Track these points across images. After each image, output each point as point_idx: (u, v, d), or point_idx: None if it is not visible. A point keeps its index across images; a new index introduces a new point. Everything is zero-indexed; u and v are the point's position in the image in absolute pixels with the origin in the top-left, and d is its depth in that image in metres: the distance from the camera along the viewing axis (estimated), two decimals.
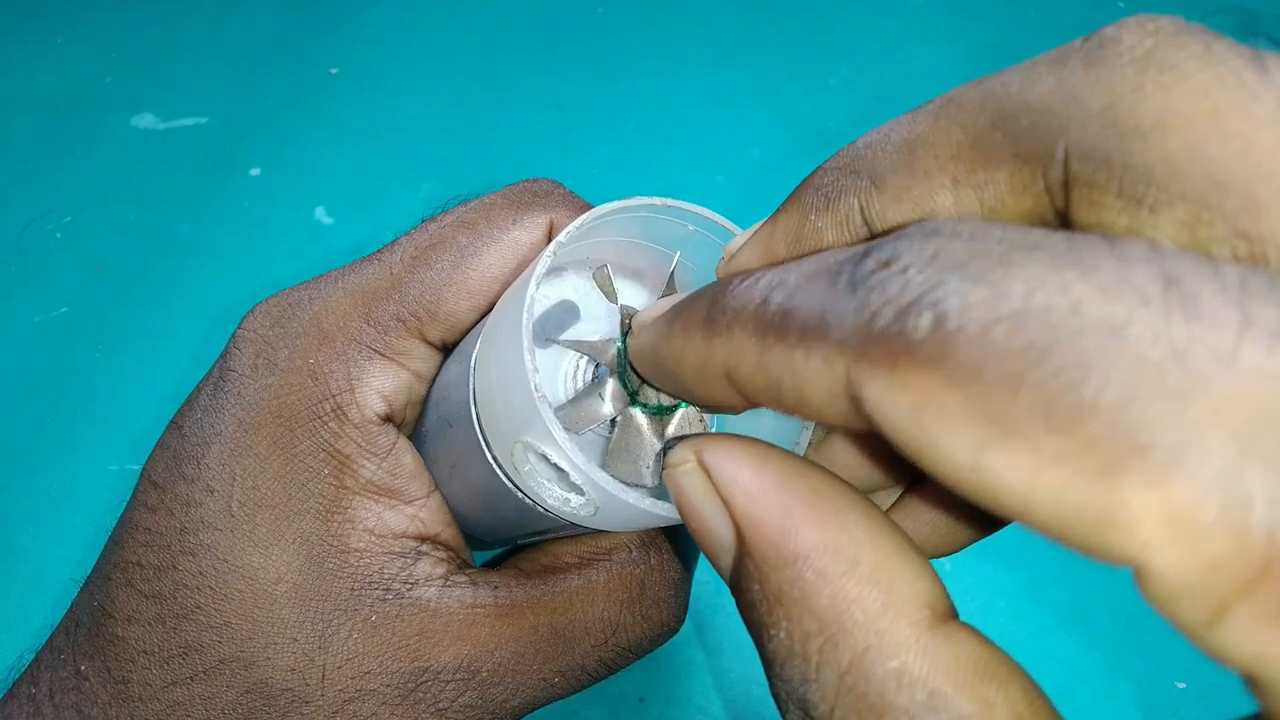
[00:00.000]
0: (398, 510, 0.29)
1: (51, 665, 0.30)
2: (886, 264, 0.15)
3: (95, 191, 0.67)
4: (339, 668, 0.28)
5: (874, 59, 0.78)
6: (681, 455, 0.19)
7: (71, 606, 0.32)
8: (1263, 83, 0.16)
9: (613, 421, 0.27)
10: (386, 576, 0.29)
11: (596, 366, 0.29)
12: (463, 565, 0.30)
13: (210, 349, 0.32)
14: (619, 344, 0.27)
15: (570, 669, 0.30)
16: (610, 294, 0.27)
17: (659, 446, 0.26)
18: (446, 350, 0.31)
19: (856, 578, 0.16)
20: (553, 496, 0.26)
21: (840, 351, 0.15)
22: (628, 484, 0.24)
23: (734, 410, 0.20)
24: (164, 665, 0.28)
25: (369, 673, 0.28)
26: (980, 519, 0.25)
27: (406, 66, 0.75)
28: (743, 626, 0.19)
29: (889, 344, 0.14)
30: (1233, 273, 0.12)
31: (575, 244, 0.27)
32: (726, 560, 0.19)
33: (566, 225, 0.26)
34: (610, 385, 0.26)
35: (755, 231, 0.24)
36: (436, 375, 0.31)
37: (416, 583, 0.29)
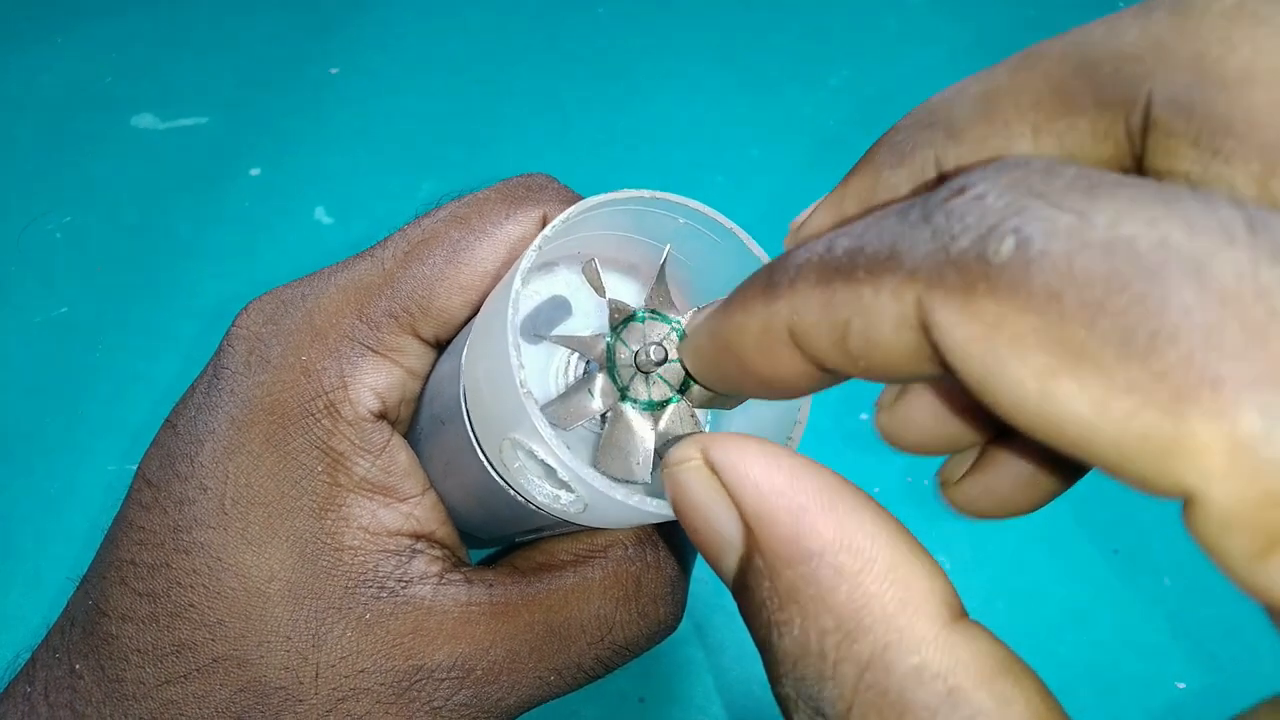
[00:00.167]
0: (392, 508, 0.29)
1: (47, 664, 0.30)
2: (961, 191, 0.15)
3: (95, 191, 0.67)
4: (333, 666, 0.28)
5: (874, 59, 0.78)
6: (685, 453, 0.19)
7: (67, 605, 0.32)
8: None
9: (603, 417, 0.27)
10: (381, 574, 0.29)
11: (587, 363, 0.28)
12: (458, 563, 0.30)
13: (209, 349, 0.32)
14: (609, 339, 0.27)
15: (566, 667, 0.30)
16: (598, 288, 0.27)
17: (650, 442, 0.26)
18: (440, 347, 0.31)
19: (874, 574, 0.16)
20: (542, 493, 0.26)
21: (911, 281, 0.15)
22: (618, 480, 0.24)
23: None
24: (157, 664, 0.28)
25: (363, 671, 0.28)
26: (1063, 468, 0.24)
27: (406, 66, 0.75)
28: (743, 626, 0.19)
29: (966, 269, 0.14)
30: None
31: (564, 238, 0.27)
32: (731, 559, 0.18)
33: None
34: (600, 380, 0.26)
35: (825, 199, 0.24)
36: (430, 372, 0.31)
37: (411, 580, 0.29)
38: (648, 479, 0.25)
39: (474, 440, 0.27)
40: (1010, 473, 0.25)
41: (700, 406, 0.27)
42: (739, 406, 0.27)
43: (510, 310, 0.24)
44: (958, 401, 0.25)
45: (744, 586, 0.18)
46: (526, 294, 0.29)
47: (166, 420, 0.31)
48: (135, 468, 0.31)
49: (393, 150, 0.70)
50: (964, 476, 0.25)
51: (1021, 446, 0.25)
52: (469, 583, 0.29)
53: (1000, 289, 0.13)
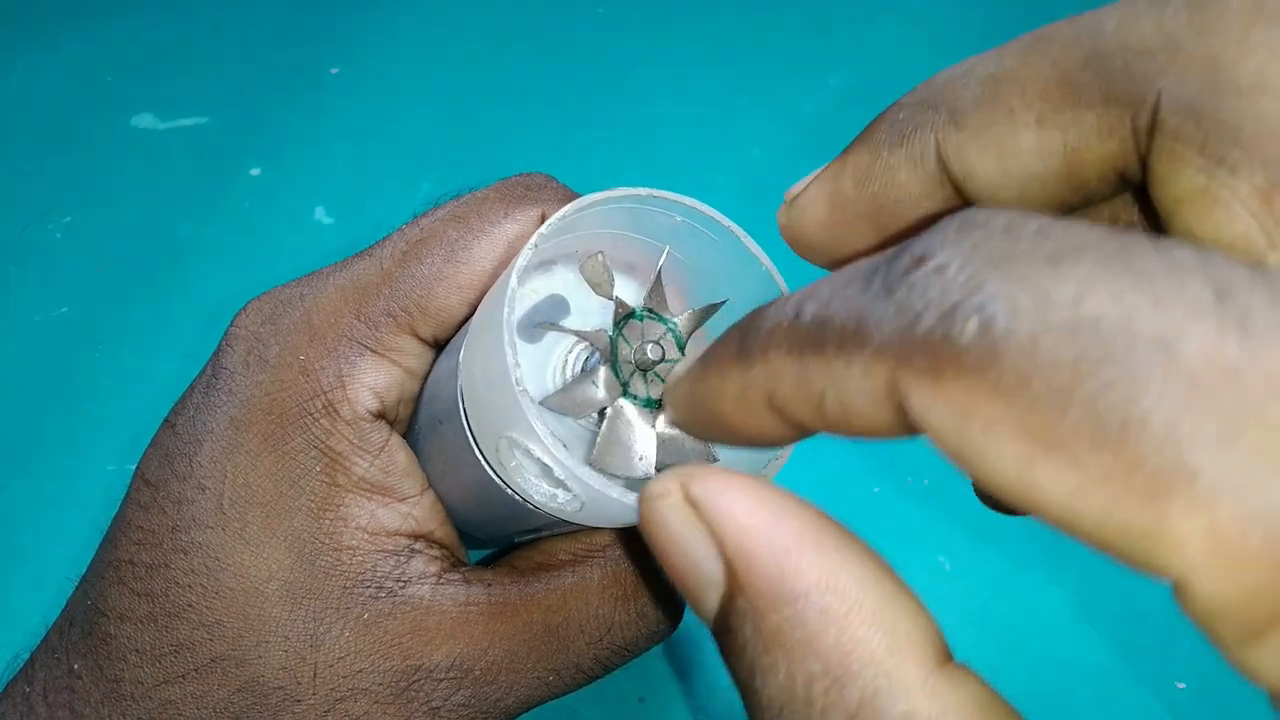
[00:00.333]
0: (390, 508, 0.29)
1: (46, 664, 0.30)
2: (921, 261, 0.15)
3: (95, 191, 0.67)
4: (331, 666, 0.28)
5: (874, 59, 0.78)
6: (663, 487, 0.18)
7: (66, 605, 0.32)
8: None
9: (600, 415, 0.27)
10: (379, 574, 0.28)
11: (588, 358, 0.28)
12: (456, 563, 0.30)
13: (209, 349, 0.32)
14: (612, 333, 0.27)
15: (565, 667, 0.30)
16: (605, 282, 0.27)
17: (651, 438, 0.26)
18: (439, 346, 0.31)
19: (862, 618, 0.16)
20: (539, 492, 0.26)
21: (881, 359, 0.15)
22: (615, 477, 0.24)
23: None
24: (155, 664, 0.28)
25: (361, 671, 0.28)
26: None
27: (406, 66, 0.75)
28: None
29: (932, 351, 0.14)
30: None
31: (562, 237, 0.27)
32: (712, 598, 0.18)
33: None
34: (603, 374, 0.26)
35: (821, 171, 0.24)
36: (429, 372, 0.31)
37: (409, 580, 0.29)
38: (650, 473, 0.25)
39: (471, 439, 0.27)
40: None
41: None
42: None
43: (506, 308, 0.24)
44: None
45: (726, 628, 0.17)
46: (524, 293, 0.29)
47: (165, 420, 0.31)
48: (134, 467, 0.31)
49: (393, 150, 0.70)
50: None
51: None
52: (467, 583, 0.29)
53: (968, 373, 0.13)
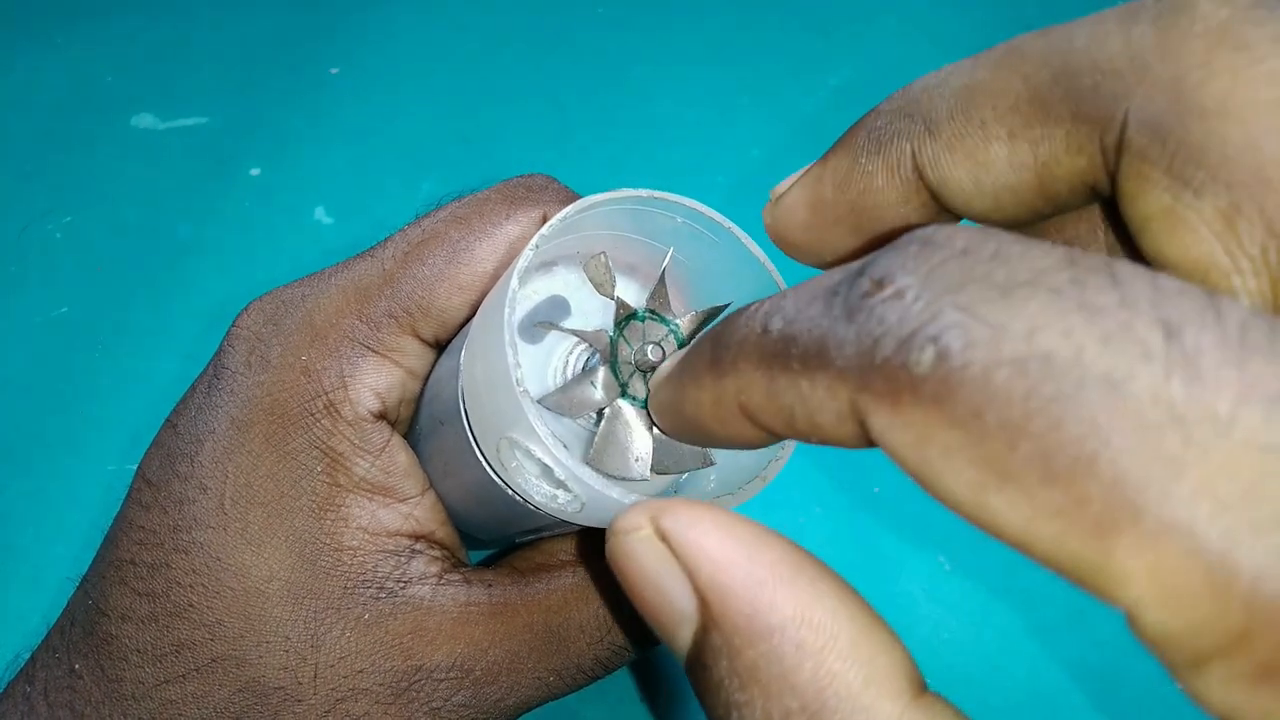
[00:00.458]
0: (391, 508, 0.29)
1: (46, 664, 0.30)
2: (880, 284, 0.15)
3: (95, 191, 0.67)
4: (331, 666, 0.28)
5: (874, 59, 0.78)
6: (633, 521, 0.18)
7: (67, 605, 0.32)
8: None
9: (599, 415, 0.27)
10: (380, 575, 0.29)
11: (589, 358, 0.28)
12: (457, 564, 0.30)
13: (209, 349, 0.32)
14: (613, 333, 0.27)
15: (566, 668, 0.30)
16: (607, 282, 0.27)
17: (648, 440, 0.26)
18: (440, 347, 0.31)
19: (837, 651, 0.16)
20: (539, 493, 0.26)
21: (843, 381, 0.15)
22: (615, 478, 0.24)
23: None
24: (156, 663, 0.28)
25: (361, 671, 0.28)
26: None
27: (406, 66, 0.75)
28: None
29: (891, 378, 0.14)
30: (1235, 320, 0.12)
31: (563, 238, 0.27)
32: (685, 634, 0.18)
33: None
34: (602, 374, 0.26)
35: (804, 172, 0.24)
36: (430, 373, 0.31)
37: (410, 581, 0.29)
38: (646, 475, 0.25)
39: (472, 440, 0.27)
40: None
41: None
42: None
43: (507, 309, 0.24)
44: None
45: (700, 664, 0.17)
46: (526, 294, 0.29)
47: (167, 420, 0.31)
48: (135, 467, 0.31)
49: (393, 150, 0.70)
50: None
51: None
52: (468, 583, 0.29)
53: (925, 401, 0.14)
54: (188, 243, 0.65)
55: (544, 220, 0.30)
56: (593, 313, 0.30)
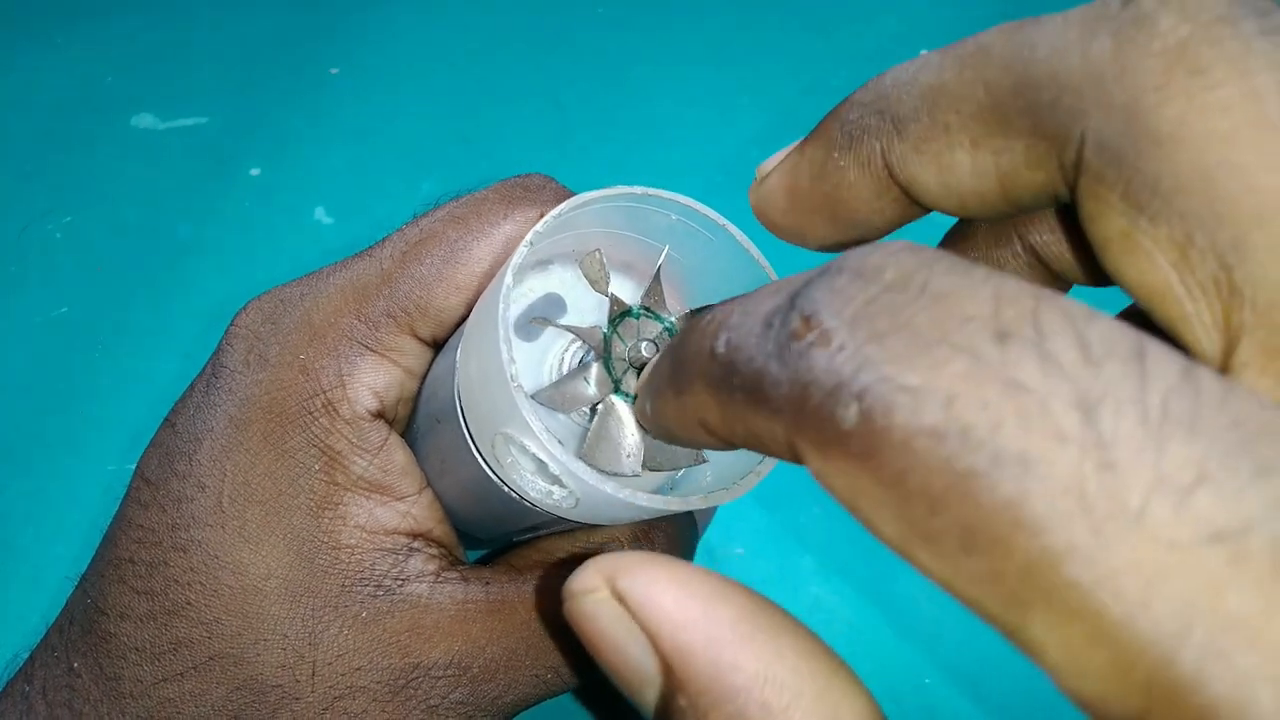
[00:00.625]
0: (389, 506, 0.29)
1: (45, 663, 0.30)
2: (809, 323, 0.15)
3: (95, 191, 0.67)
4: (329, 664, 0.28)
5: (874, 59, 0.78)
6: (588, 581, 0.18)
7: (66, 604, 0.32)
8: None
9: (592, 410, 0.27)
10: (377, 573, 0.29)
11: (584, 356, 0.29)
12: (454, 562, 0.30)
13: (209, 348, 0.32)
14: (606, 330, 0.27)
15: (563, 666, 0.30)
16: (601, 279, 0.27)
17: (640, 437, 0.26)
18: (438, 346, 0.31)
19: (803, 708, 0.16)
20: (535, 489, 0.26)
21: (778, 420, 0.15)
22: (607, 473, 0.24)
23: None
24: (155, 662, 0.28)
25: (359, 669, 0.28)
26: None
27: (406, 66, 0.75)
28: None
29: (820, 428, 0.14)
30: (1159, 390, 0.12)
31: (558, 235, 0.27)
32: (651, 694, 0.17)
33: None
34: (595, 370, 0.26)
35: (786, 155, 0.24)
36: (428, 371, 0.31)
37: (407, 579, 0.29)
38: (638, 471, 0.25)
39: (468, 437, 0.27)
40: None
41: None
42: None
43: (502, 305, 0.24)
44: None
45: None
46: (521, 291, 0.29)
47: (165, 419, 0.31)
48: (134, 467, 0.31)
49: (393, 150, 0.70)
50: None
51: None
52: (465, 581, 0.29)
53: (852, 456, 0.14)
54: (188, 243, 0.65)
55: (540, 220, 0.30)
56: (588, 310, 0.30)
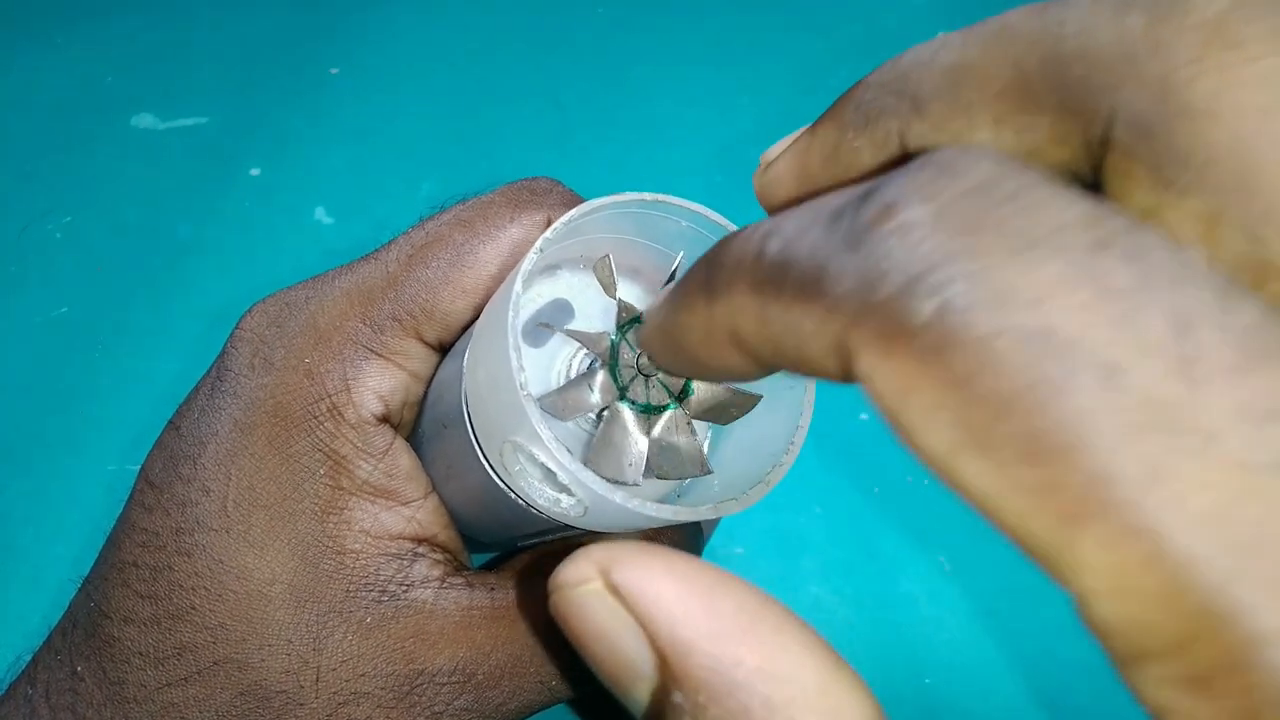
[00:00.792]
0: (394, 511, 0.29)
1: (48, 666, 0.30)
2: (889, 211, 0.14)
3: (95, 191, 0.67)
4: (333, 670, 0.28)
5: (874, 59, 0.78)
6: (581, 573, 0.17)
7: (69, 607, 0.32)
8: None
9: (598, 417, 0.27)
10: (382, 578, 0.28)
11: (593, 362, 0.28)
12: (459, 567, 0.30)
13: (210, 349, 0.32)
14: (614, 337, 0.27)
15: (569, 672, 0.30)
16: (611, 284, 0.27)
17: (643, 444, 0.26)
18: (444, 350, 0.31)
19: (805, 704, 0.15)
20: (543, 497, 0.26)
21: (836, 315, 0.14)
22: (610, 480, 0.24)
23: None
24: (158, 666, 0.28)
25: (364, 675, 0.28)
26: None
27: (406, 66, 0.75)
28: None
29: (886, 320, 0.13)
30: (1247, 320, 0.12)
31: (567, 241, 0.27)
32: (642, 691, 0.17)
33: None
34: (600, 377, 0.26)
35: (794, 140, 0.24)
36: (433, 376, 0.31)
37: (412, 584, 0.29)
38: (639, 481, 0.25)
39: (475, 443, 0.27)
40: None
41: (697, 418, 0.27)
42: (739, 419, 0.27)
43: (511, 312, 0.24)
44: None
45: None
46: (529, 297, 0.29)
47: (170, 422, 0.31)
48: (135, 468, 0.31)
49: (393, 150, 0.70)
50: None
51: None
52: (470, 587, 0.29)
53: (917, 352, 0.13)
54: (188, 243, 0.64)
55: (548, 224, 0.30)
56: (596, 316, 0.30)
